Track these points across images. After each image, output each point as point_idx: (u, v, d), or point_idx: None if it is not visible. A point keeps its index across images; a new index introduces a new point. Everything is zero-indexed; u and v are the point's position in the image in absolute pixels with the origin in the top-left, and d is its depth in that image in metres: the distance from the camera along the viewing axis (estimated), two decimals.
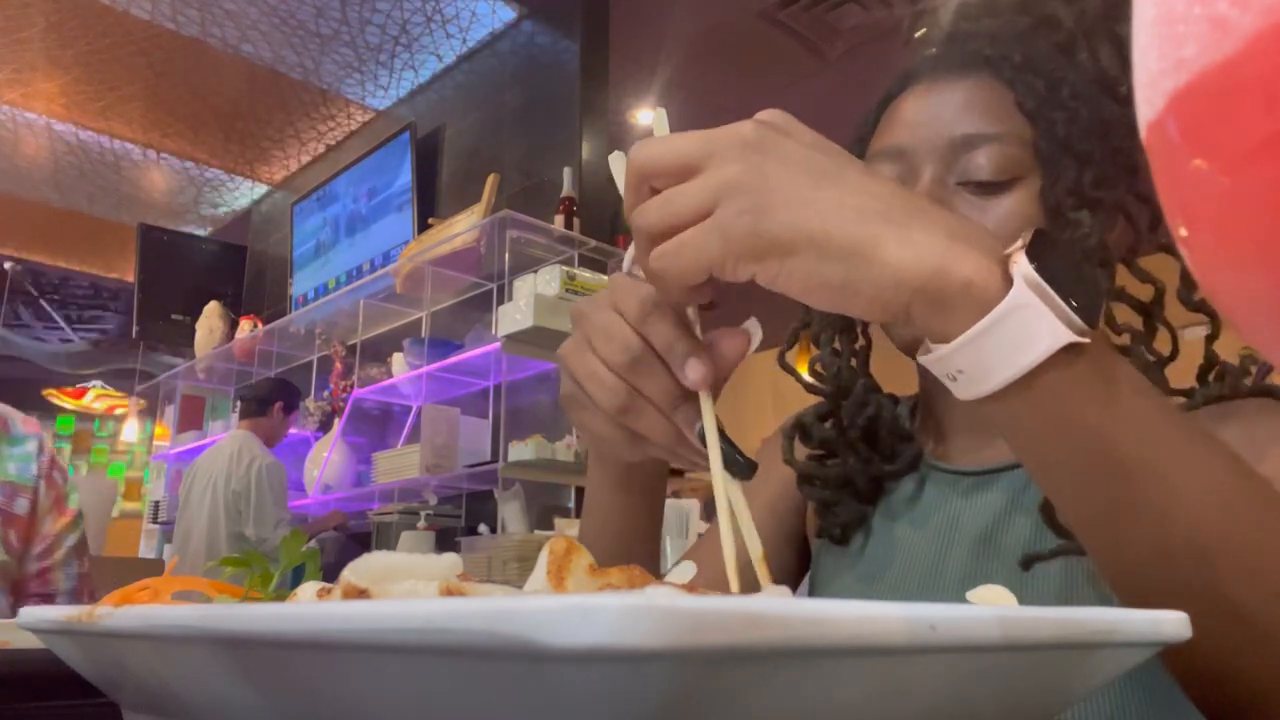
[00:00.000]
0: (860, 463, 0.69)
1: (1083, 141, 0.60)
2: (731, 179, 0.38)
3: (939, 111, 0.64)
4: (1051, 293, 0.37)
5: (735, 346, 0.44)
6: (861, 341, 0.73)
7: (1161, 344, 0.60)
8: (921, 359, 0.41)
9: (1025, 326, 0.37)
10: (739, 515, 0.42)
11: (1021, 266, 0.37)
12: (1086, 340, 0.38)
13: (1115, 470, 0.39)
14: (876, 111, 0.70)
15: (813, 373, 0.72)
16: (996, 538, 0.62)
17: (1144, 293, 0.61)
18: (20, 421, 1.28)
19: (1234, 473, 0.40)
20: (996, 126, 0.62)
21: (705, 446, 0.43)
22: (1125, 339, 0.60)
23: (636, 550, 0.60)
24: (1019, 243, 0.38)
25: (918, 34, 0.74)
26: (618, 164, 0.48)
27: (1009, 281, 0.38)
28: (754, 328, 0.45)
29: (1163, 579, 0.40)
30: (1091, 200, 0.60)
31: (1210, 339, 0.60)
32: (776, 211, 0.37)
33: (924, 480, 0.69)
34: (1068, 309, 0.37)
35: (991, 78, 0.64)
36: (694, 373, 0.43)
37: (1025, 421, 0.40)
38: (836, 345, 0.72)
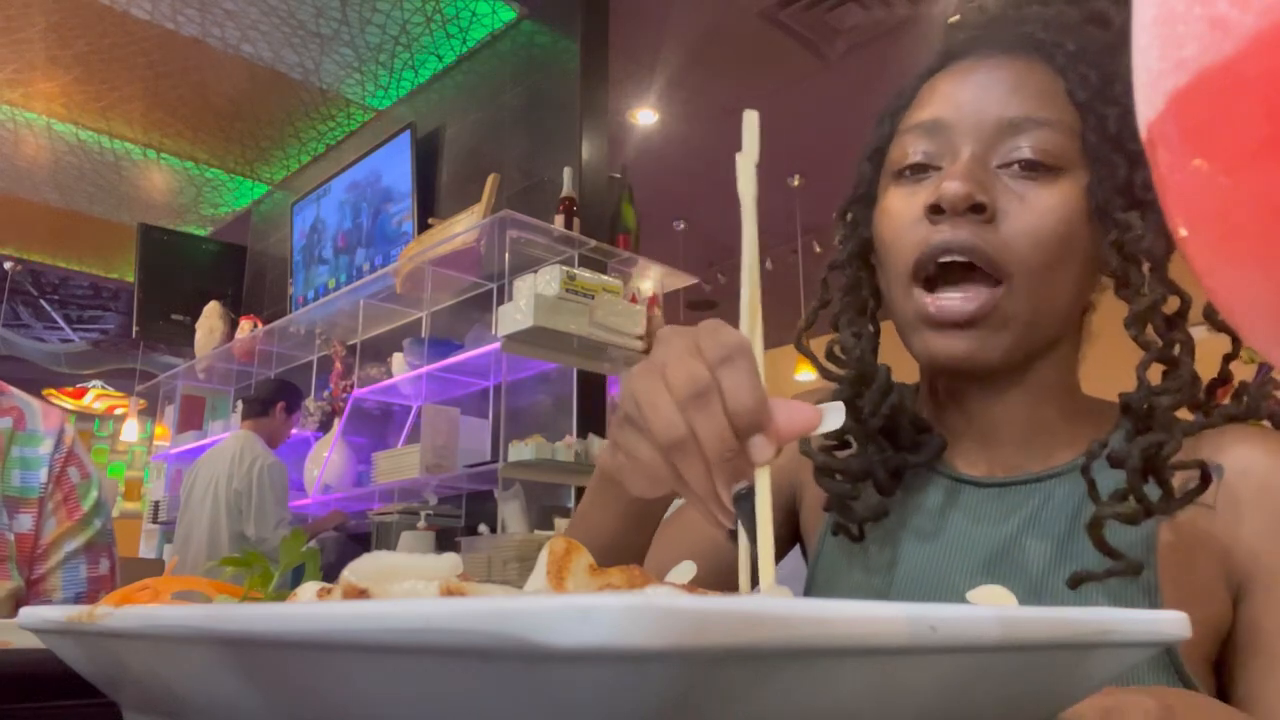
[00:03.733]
0: (879, 453, 0.67)
1: (1135, 140, 0.58)
2: None
3: (986, 90, 0.61)
4: None
5: (802, 423, 0.41)
6: (872, 327, 0.70)
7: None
8: None
9: None
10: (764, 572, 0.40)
11: None
12: None
13: None
14: (914, 86, 0.67)
15: (830, 357, 0.69)
16: (1011, 553, 0.61)
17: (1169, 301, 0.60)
18: (41, 416, 1.18)
19: None
20: (1046, 112, 0.60)
21: (736, 506, 0.41)
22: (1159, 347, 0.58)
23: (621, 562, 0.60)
24: None
25: (957, 20, 0.72)
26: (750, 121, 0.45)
27: None
28: (834, 412, 0.42)
29: None
30: (1141, 201, 0.58)
31: (1229, 358, 0.59)
32: None
33: (933, 484, 0.67)
34: None
35: (1043, 63, 0.62)
36: (761, 453, 0.40)
37: None
38: (855, 329, 0.69)
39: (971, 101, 0.61)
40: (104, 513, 1.21)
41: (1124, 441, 0.57)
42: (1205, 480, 0.55)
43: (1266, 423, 0.59)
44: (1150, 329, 0.58)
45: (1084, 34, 0.64)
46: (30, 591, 1.16)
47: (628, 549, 0.61)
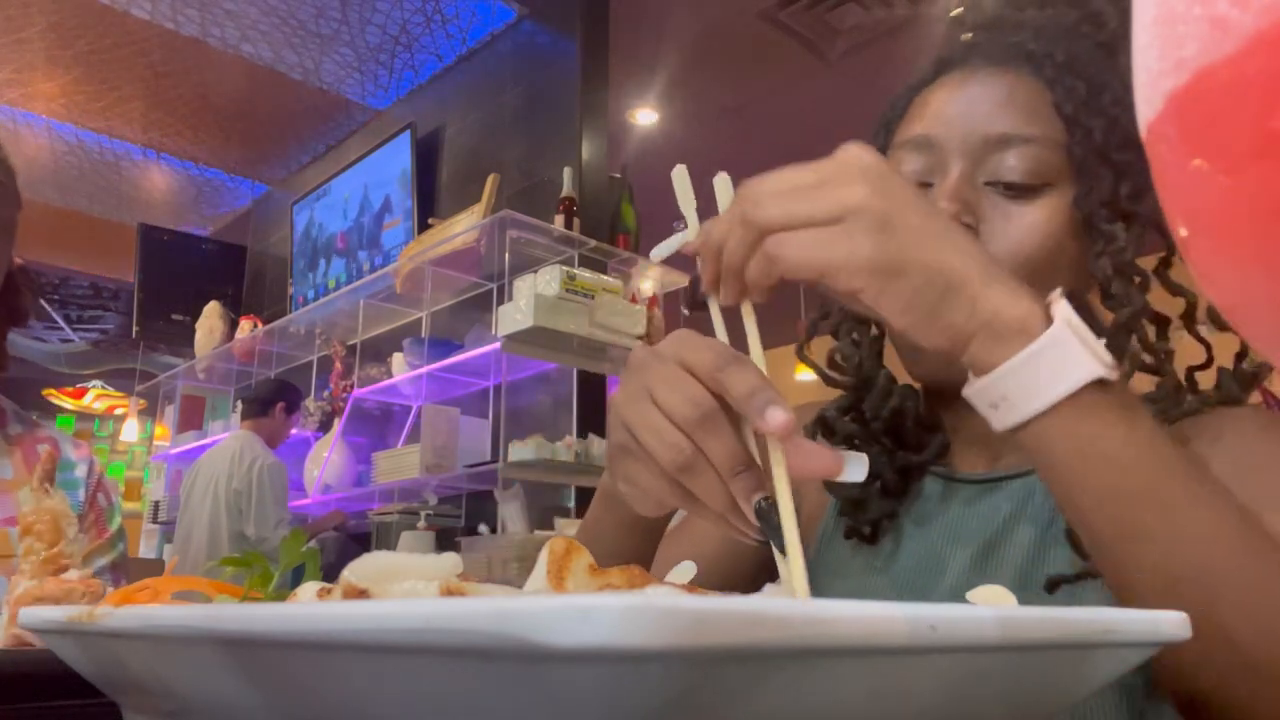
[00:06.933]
0: (886, 456, 0.68)
1: (1121, 151, 0.59)
2: (861, 199, 0.42)
3: (973, 106, 0.62)
4: (1086, 332, 0.42)
5: (820, 468, 0.42)
6: (875, 332, 0.71)
7: (1195, 356, 0.61)
8: (967, 391, 0.45)
9: (1063, 359, 0.42)
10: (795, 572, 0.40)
11: (1062, 309, 0.42)
12: (1114, 377, 0.42)
13: (1130, 496, 0.43)
14: (906, 97, 0.68)
15: (831, 364, 0.71)
16: (999, 548, 0.62)
17: (1173, 305, 0.60)
18: (72, 447, 1.28)
19: (1236, 513, 0.43)
20: (1032, 128, 0.61)
21: (759, 520, 0.41)
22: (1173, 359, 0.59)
23: None
24: (1058, 291, 0.44)
25: (955, 18, 0.72)
26: (681, 179, 0.48)
27: (1050, 323, 0.42)
28: (856, 463, 0.42)
29: (1166, 603, 0.41)
30: (1126, 213, 0.59)
31: (1240, 356, 0.60)
32: (900, 235, 0.42)
33: (928, 479, 0.68)
34: (1099, 346, 0.42)
35: (1031, 75, 0.63)
36: (776, 419, 0.40)
37: (1055, 446, 0.44)
38: (855, 336, 0.70)
39: (960, 117, 0.63)
40: (124, 538, 1.31)
41: None
42: None
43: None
44: (1135, 340, 0.59)
45: (1075, 41, 0.64)
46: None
47: (638, 561, 0.61)
